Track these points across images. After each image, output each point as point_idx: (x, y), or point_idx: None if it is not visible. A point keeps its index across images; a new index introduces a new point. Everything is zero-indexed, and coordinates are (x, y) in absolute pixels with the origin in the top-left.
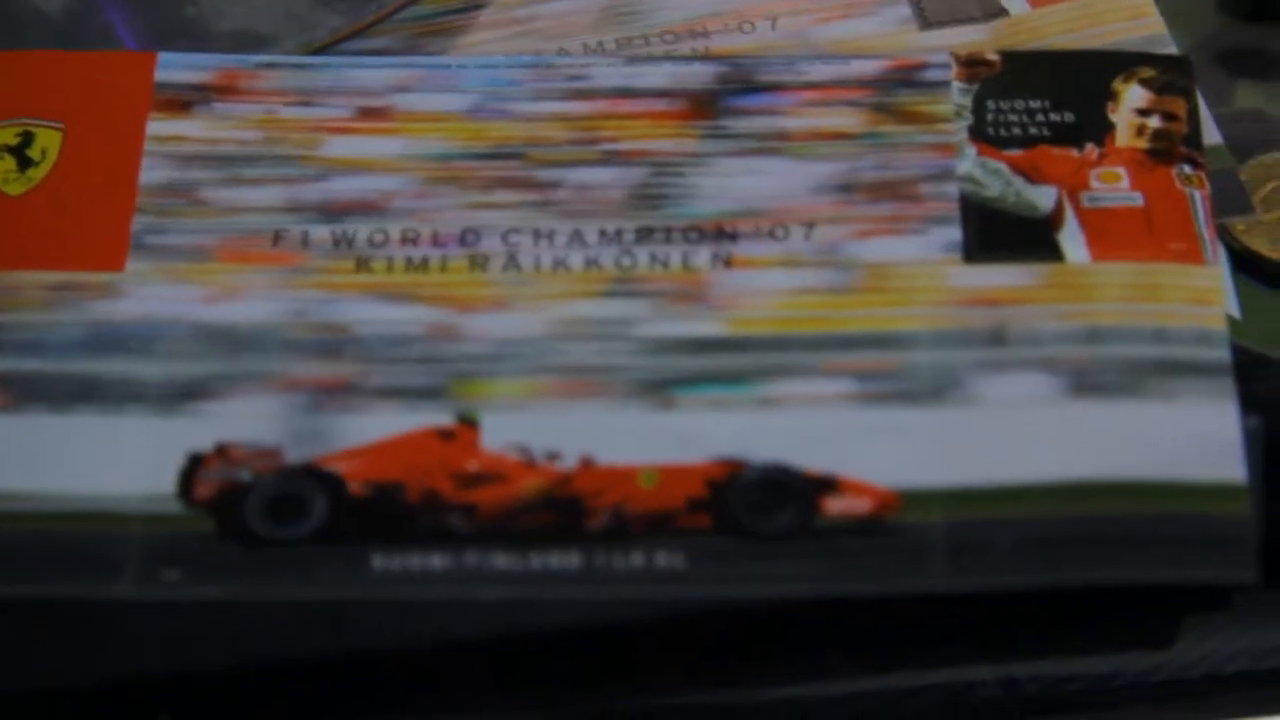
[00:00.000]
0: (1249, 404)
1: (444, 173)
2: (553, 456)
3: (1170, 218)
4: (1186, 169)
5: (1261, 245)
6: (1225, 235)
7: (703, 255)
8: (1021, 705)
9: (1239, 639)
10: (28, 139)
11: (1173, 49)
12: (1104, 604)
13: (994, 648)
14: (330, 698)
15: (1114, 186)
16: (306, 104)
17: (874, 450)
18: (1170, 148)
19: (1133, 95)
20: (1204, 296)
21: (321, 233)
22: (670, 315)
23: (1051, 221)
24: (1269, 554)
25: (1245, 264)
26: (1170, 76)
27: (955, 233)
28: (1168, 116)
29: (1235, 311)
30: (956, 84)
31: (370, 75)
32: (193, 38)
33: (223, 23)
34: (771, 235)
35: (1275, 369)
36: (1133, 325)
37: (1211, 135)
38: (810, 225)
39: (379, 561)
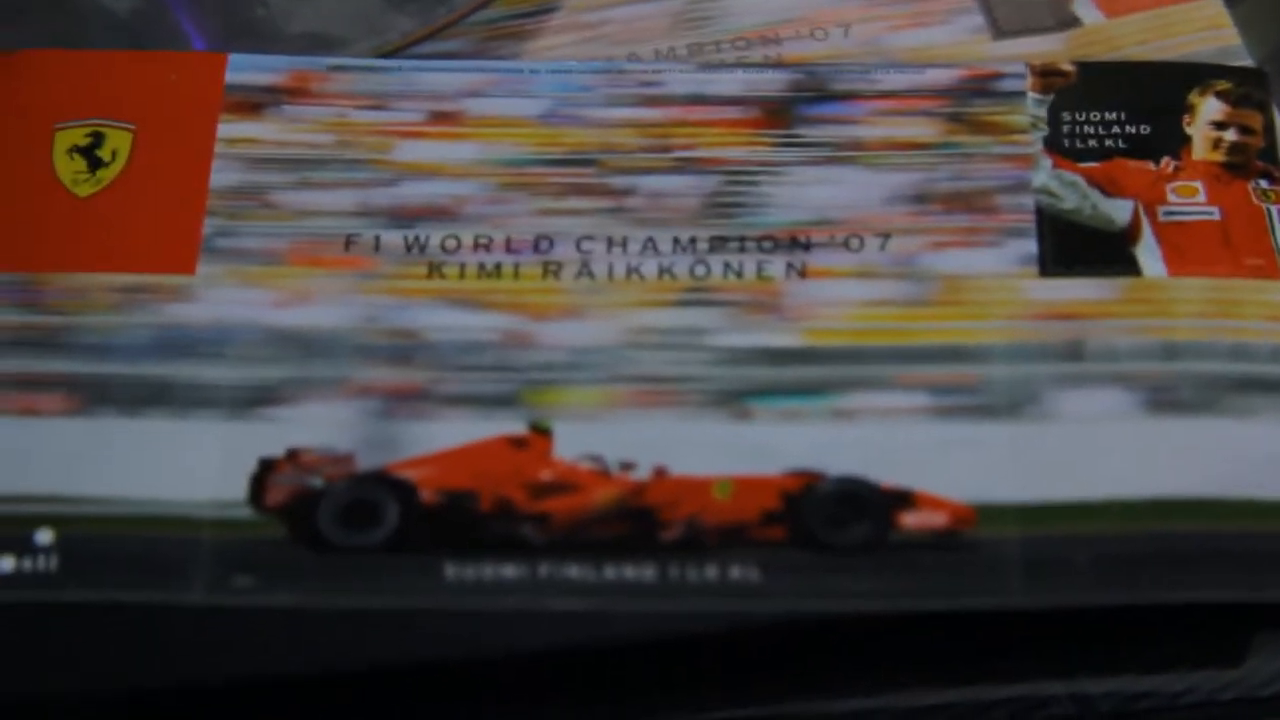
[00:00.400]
0: None
1: (517, 178)
2: (626, 467)
3: (1247, 232)
4: (1263, 183)
5: None
6: None
7: (777, 265)
8: None
9: None
10: (98, 139)
11: (1248, 61)
12: (1176, 621)
13: (1067, 663)
14: (400, 707)
15: (1191, 200)
16: (378, 107)
17: (950, 464)
18: (1246, 161)
19: (1209, 108)
20: None
21: (393, 238)
22: (744, 325)
23: (1128, 235)
24: None
25: None
26: (1246, 89)
27: (1031, 245)
28: (1244, 130)
29: None
30: (1031, 95)
31: (442, 79)
32: (262, 39)
33: (292, 25)
34: (846, 245)
35: None
36: (1210, 341)
37: None
38: (885, 236)
39: (451, 570)
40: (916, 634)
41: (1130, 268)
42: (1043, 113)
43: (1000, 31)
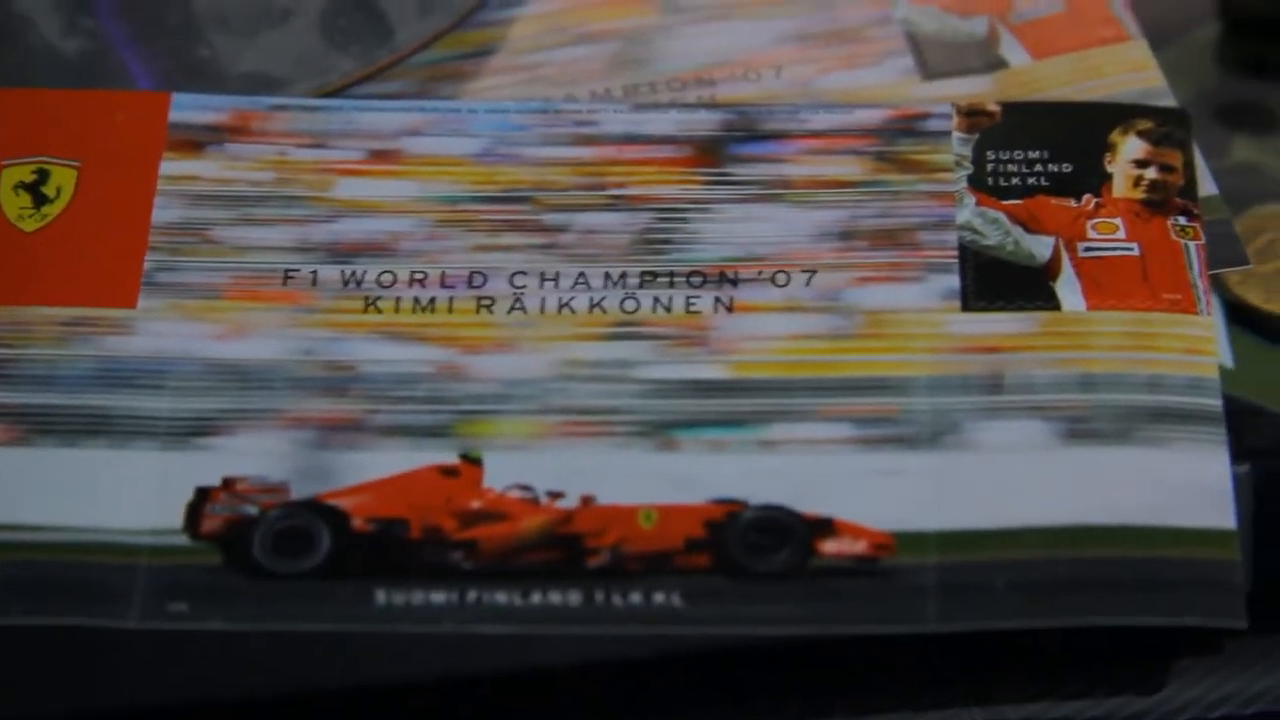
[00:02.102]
0: (1240, 453)
1: (453, 215)
2: (554, 495)
3: (1165, 268)
4: (1182, 220)
5: (1256, 298)
6: (1220, 287)
7: (705, 300)
8: None
9: (1226, 684)
10: (43, 176)
11: (1172, 102)
12: (1093, 648)
13: (985, 690)
14: None
15: (1110, 237)
16: (318, 146)
17: (870, 493)
18: (1166, 199)
19: (1130, 147)
20: (1197, 346)
21: (331, 273)
22: (672, 358)
23: (1049, 270)
24: (1257, 600)
25: (1239, 316)
26: (1168, 128)
27: (954, 280)
28: (1164, 168)
29: (1229, 362)
30: (957, 134)
31: (381, 118)
32: (206, 79)
33: (236, 65)
34: (773, 281)
35: (1268, 419)
36: (1127, 373)
37: (1208, 187)
38: (812, 271)
39: (382, 596)
40: (837, 661)
41: (1050, 302)
42: (968, 151)
43: (929, 73)
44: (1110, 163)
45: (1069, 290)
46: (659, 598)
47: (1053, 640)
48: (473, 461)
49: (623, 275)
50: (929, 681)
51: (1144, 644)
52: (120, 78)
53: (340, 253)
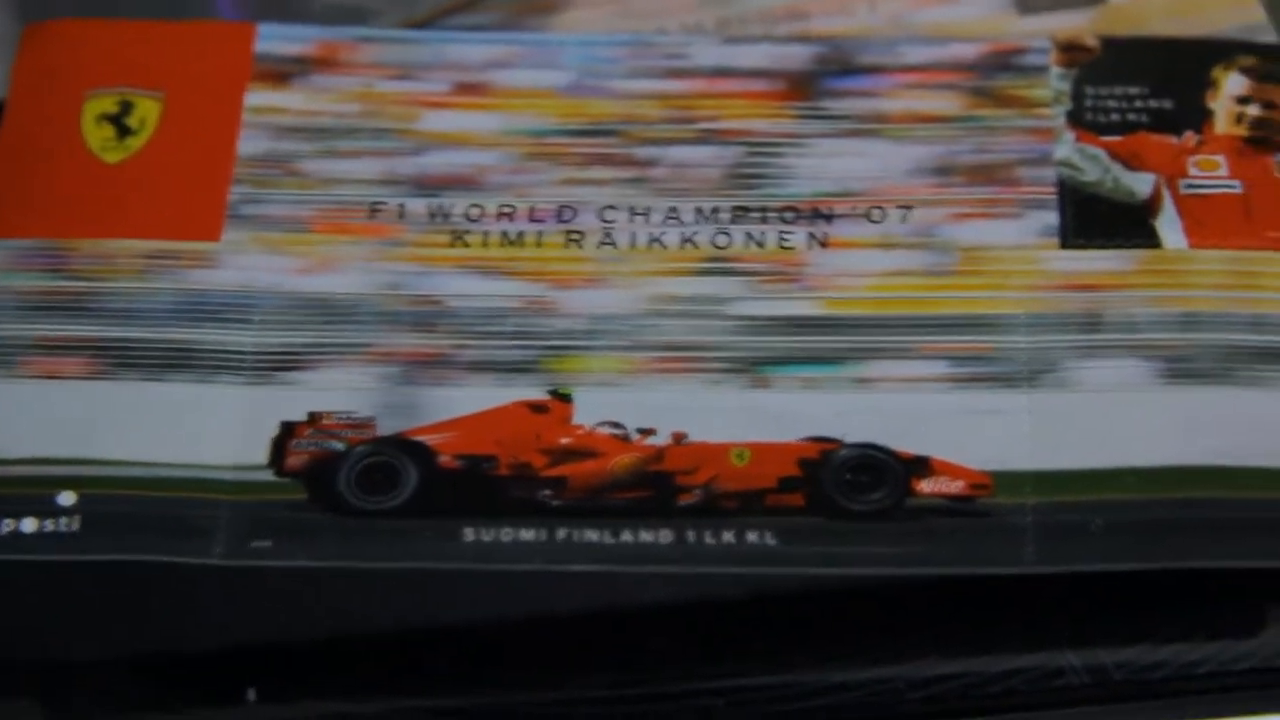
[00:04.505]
0: None
1: (541, 149)
2: (645, 433)
3: (1268, 205)
4: None
5: None
6: None
7: (799, 235)
8: (1108, 691)
9: None
10: (127, 108)
11: (1273, 37)
12: (1191, 591)
13: (1082, 633)
14: (418, 669)
15: (1212, 174)
16: (404, 78)
17: (967, 432)
18: (1269, 136)
19: (1232, 83)
20: None
21: (417, 206)
22: (765, 294)
23: (1149, 208)
24: None
25: None
26: (1271, 65)
27: (1052, 217)
28: (1267, 105)
29: None
30: (1055, 69)
31: (468, 50)
32: (291, 11)
33: None
34: (868, 217)
35: None
36: (1229, 312)
37: None
38: (907, 207)
39: (470, 534)
40: (932, 602)
41: (1150, 240)
42: (1066, 87)
43: (1026, 7)
44: (1212, 99)
45: (1170, 228)
46: (752, 537)
47: (1148, 582)
48: (562, 398)
49: (714, 210)
50: (1024, 625)
51: (1241, 587)
52: (204, 8)
53: (427, 186)
